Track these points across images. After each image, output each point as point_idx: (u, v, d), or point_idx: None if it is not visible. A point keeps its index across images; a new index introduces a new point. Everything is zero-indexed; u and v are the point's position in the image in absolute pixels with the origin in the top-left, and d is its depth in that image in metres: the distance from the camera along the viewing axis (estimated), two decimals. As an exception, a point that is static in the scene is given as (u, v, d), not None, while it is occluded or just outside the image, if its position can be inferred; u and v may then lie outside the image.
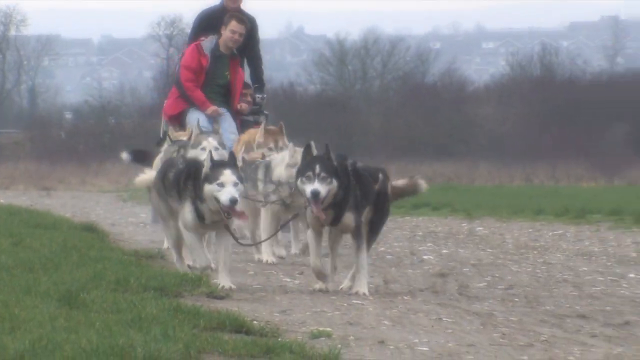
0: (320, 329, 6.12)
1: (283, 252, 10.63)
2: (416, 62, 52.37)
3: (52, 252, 9.44)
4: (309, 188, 7.87)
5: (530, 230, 17.37)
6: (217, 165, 7.87)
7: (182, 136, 10.12)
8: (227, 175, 7.76)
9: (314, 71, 49.96)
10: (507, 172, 39.04)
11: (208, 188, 7.69)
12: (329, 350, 5.06)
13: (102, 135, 44.09)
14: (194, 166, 8.05)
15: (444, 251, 12.72)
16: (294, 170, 8.96)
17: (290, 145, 9.82)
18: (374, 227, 8.35)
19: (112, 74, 79.57)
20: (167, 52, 53.10)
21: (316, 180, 7.84)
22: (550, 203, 21.79)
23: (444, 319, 6.88)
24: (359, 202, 8.13)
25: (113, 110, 48.83)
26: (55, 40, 68.62)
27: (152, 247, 11.52)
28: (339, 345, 5.40)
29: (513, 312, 7.33)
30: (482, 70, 76.75)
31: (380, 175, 8.31)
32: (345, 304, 7.67)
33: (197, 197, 7.95)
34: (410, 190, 8.90)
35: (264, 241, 9.95)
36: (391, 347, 5.76)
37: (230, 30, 11.47)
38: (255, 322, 6.21)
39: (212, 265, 8.33)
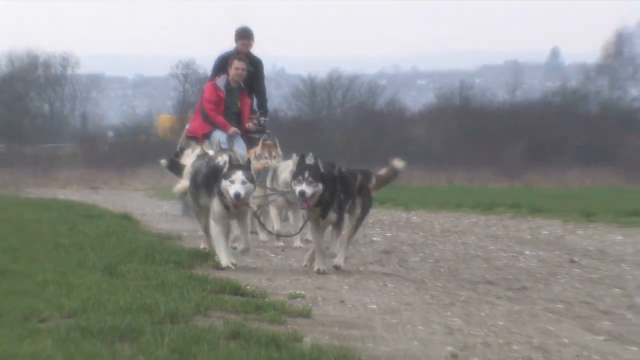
0: (297, 292, 6.14)
1: (265, 237, 10.10)
2: (368, 94, 52.63)
3: (97, 235, 9.25)
4: (298, 189, 7.24)
5: (452, 219, 17.16)
6: (233, 167, 7.45)
7: (208, 150, 9.76)
8: (238, 175, 7.39)
9: (292, 101, 51.55)
10: (435, 175, 39.19)
11: (223, 184, 7.35)
12: (302, 307, 5.31)
13: (135, 148, 44.17)
14: (218, 170, 7.85)
15: (388, 234, 12.51)
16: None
17: (294, 155, 8.69)
18: (360, 215, 8.08)
19: (143, 103, 79.12)
20: (183, 87, 52.59)
21: (304, 183, 7.40)
22: (467, 199, 21.60)
23: (388, 284, 6.87)
24: (342, 202, 7.62)
25: (143, 129, 49.47)
26: (101, 77, 67.89)
27: (172, 231, 11.21)
28: (310, 304, 5.58)
29: (439, 280, 7.24)
30: (416, 100, 76.25)
31: (359, 176, 7.90)
32: (315, 274, 7.54)
33: (220, 193, 7.72)
34: (391, 174, 8.42)
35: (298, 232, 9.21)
36: (349, 305, 5.79)
37: (234, 68, 10.88)
38: (248, 286, 6.22)
39: (233, 262, 7.71)
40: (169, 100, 60.59)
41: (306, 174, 7.62)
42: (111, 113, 71.84)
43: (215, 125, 11.01)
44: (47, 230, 9.91)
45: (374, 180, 8.26)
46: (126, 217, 13.30)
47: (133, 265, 6.80)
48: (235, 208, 7.69)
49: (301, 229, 8.90)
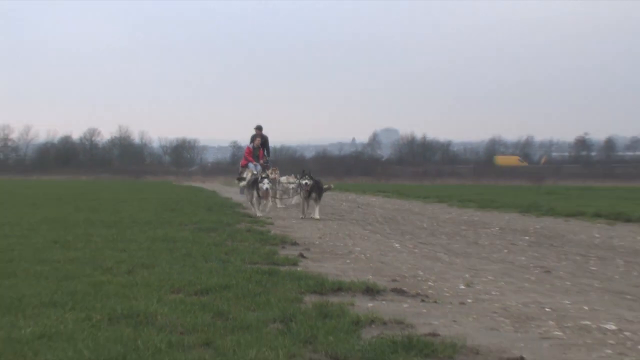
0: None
1: (282, 205, 23.04)
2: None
3: (207, 195, 31.40)
4: (303, 181, 18.33)
5: (387, 199, 33.12)
6: (263, 178, 19.06)
7: (249, 173, 22.44)
8: (265, 181, 18.71)
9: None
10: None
11: (260, 184, 18.73)
12: (307, 243, 12.09)
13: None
14: (257, 179, 19.20)
15: (360, 208, 24.33)
16: (290, 180, 22.71)
17: (293, 175, 22.94)
18: (320, 198, 18.69)
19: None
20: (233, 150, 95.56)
21: (305, 179, 18.17)
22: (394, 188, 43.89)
23: (345, 224, 16.63)
24: (317, 191, 18.22)
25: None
26: (196, 149, 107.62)
27: (240, 201, 24.93)
28: (316, 241, 12.45)
29: (384, 227, 15.89)
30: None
31: (322, 181, 19.16)
32: (314, 225, 16.02)
33: (258, 189, 18.73)
34: (328, 188, 19.82)
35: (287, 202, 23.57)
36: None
37: (256, 141, 25.38)
38: (270, 233, 13.75)
39: (259, 213, 18.69)
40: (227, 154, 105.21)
41: (306, 176, 18.18)
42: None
43: (249, 162, 24.33)
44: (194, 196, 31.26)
45: (325, 185, 18.99)
46: (214, 192, 38.87)
47: (216, 209, 21.16)
48: (264, 194, 18.81)
49: (294, 198, 21.85)
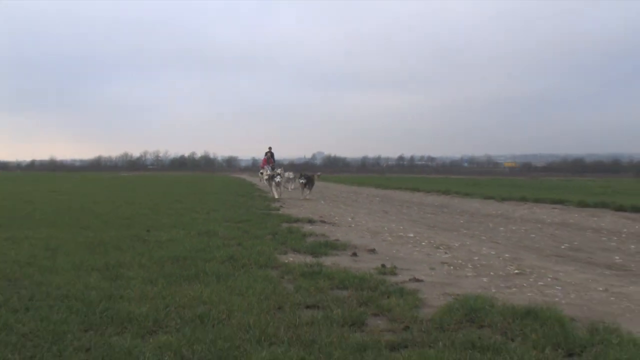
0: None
1: (291, 188, 31.49)
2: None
3: (239, 184, 35.96)
4: (300, 180, 29.19)
5: (357, 189, 38.98)
6: (277, 173, 29.64)
7: (265, 172, 34.07)
8: (278, 177, 28.94)
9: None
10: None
11: (276, 178, 28.88)
12: (286, 202, 17.79)
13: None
14: (274, 175, 29.23)
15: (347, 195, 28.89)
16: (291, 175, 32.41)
17: (292, 172, 33.75)
18: (311, 186, 28.74)
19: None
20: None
21: (302, 178, 29.17)
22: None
23: (338, 205, 16.11)
24: (310, 182, 28.81)
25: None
26: (235, 160, 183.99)
27: (264, 189, 34.87)
28: (290, 202, 17.49)
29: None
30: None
31: (314, 176, 29.80)
32: (315, 205, 19.94)
33: (275, 181, 28.61)
34: (313, 176, 30.25)
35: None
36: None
37: (267, 157, 38.44)
38: (268, 197, 22.26)
39: (276, 195, 28.00)
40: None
41: (302, 176, 29.75)
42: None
43: (265, 166, 37.94)
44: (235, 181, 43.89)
45: (315, 177, 30.26)
46: (244, 179, 43.39)
47: (245, 187, 29.62)
48: (277, 185, 28.82)
49: (292, 185, 31.92)
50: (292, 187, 31.75)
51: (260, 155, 44.59)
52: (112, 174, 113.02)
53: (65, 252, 9.71)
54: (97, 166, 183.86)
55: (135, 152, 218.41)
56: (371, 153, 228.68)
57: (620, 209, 22.73)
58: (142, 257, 9.29)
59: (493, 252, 11.07)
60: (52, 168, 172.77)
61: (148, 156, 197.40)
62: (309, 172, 31.59)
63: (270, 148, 40.06)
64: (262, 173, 38.68)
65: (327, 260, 9.68)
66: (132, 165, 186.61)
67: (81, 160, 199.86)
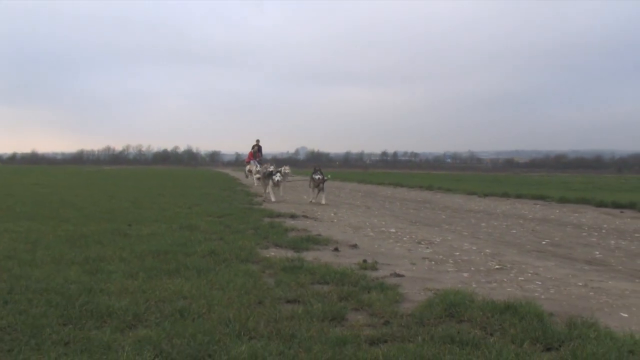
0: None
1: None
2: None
3: (225, 179, 35.76)
4: (315, 176, 22.18)
5: (340, 184, 38.99)
6: (277, 171, 23.49)
7: (252, 166, 34.92)
8: (277, 174, 22.96)
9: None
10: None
11: (272, 177, 23.24)
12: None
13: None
14: (270, 172, 23.64)
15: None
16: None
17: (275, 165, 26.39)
18: (323, 187, 22.67)
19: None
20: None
21: (316, 172, 22.42)
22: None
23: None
24: (323, 183, 22.35)
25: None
26: (218, 154, 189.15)
27: (247, 183, 35.62)
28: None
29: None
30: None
31: (324, 172, 23.45)
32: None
33: (271, 179, 23.13)
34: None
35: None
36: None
37: (254, 151, 36.60)
38: (250, 191, 20.48)
39: (273, 199, 22.43)
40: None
41: (318, 171, 22.51)
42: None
43: (251, 160, 37.23)
44: (219, 176, 39.40)
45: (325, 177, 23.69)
46: (227, 174, 44.86)
47: (228, 181, 28.43)
48: (276, 184, 23.08)
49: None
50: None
51: (244, 150, 44.33)
52: (95, 168, 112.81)
53: (45, 246, 9.65)
54: (79, 160, 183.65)
55: (118, 146, 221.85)
56: (355, 149, 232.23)
57: (601, 204, 22.93)
58: (123, 251, 9.25)
59: (474, 248, 11.12)
60: (34, 161, 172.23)
61: (131, 150, 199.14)
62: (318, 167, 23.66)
63: (257, 141, 36.75)
64: (249, 170, 36.85)
65: (309, 255, 9.66)
66: (115, 159, 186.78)
67: (63, 154, 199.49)
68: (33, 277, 7.11)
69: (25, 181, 37.27)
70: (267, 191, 23.30)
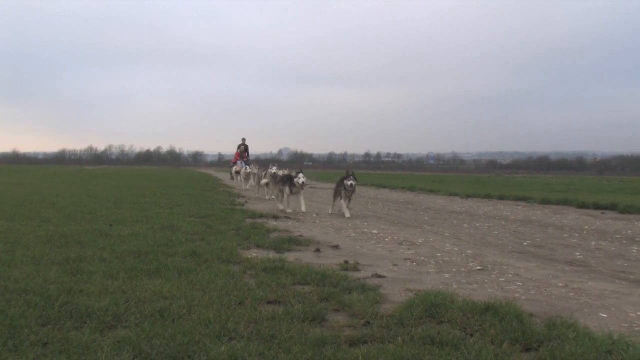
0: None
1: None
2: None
3: (207, 180, 37.81)
4: (348, 183, 17.57)
5: (323, 185, 38.35)
6: (297, 173, 18.86)
7: (239, 167, 36.65)
8: (300, 175, 18.34)
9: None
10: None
11: (295, 180, 18.49)
12: (250, 198, 14.54)
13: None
14: (282, 174, 20.62)
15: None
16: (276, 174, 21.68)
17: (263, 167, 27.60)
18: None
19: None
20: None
21: (349, 177, 17.76)
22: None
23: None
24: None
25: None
26: (201, 155, 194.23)
27: (230, 184, 37.96)
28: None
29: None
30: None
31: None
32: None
33: (291, 185, 18.75)
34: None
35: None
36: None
37: (241, 149, 36.67)
38: (234, 191, 17.46)
39: (289, 210, 18.43)
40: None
41: (351, 176, 17.71)
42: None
43: (238, 160, 37.20)
44: (202, 176, 38.94)
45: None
46: (210, 174, 46.68)
47: (211, 182, 30.16)
48: (282, 191, 19.11)
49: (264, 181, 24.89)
50: (263, 182, 23.13)
51: (227, 151, 44.58)
52: (77, 168, 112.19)
53: (24, 246, 9.57)
54: (61, 160, 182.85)
55: (101, 146, 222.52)
56: (338, 150, 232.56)
57: (582, 206, 23.07)
58: (104, 251, 9.21)
59: (456, 249, 11.16)
60: (15, 161, 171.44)
61: (114, 150, 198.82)
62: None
63: (244, 140, 36.01)
64: (237, 172, 35.96)
65: (291, 256, 9.66)
66: (98, 159, 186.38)
67: (45, 154, 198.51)
68: (12, 277, 7.05)
69: (5, 181, 36.92)
70: (281, 200, 19.08)
